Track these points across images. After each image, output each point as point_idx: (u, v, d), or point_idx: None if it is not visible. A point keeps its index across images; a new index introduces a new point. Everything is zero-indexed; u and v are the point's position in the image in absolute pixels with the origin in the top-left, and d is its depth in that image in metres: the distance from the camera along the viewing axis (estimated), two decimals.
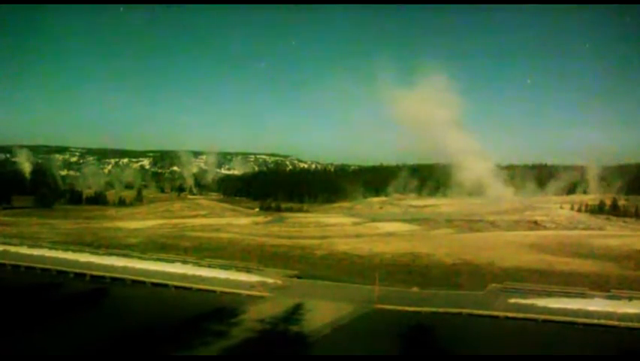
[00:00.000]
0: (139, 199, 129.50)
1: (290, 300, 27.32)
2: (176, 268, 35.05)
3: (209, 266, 36.20)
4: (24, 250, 40.62)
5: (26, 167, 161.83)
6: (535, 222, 79.23)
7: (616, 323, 24.00)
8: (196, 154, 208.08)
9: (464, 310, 26.12)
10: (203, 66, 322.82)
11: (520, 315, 25.50)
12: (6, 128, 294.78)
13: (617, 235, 61.82)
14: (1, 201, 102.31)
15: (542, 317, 25.21)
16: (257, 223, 79.63)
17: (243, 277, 33.25)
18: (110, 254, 39.88)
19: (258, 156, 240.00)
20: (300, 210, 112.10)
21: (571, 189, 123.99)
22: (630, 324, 23.83)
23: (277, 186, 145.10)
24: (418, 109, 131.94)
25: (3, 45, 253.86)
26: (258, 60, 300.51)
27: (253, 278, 32.90)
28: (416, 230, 71.35)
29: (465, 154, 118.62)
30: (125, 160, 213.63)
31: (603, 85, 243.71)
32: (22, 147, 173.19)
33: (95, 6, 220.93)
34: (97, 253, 40.33)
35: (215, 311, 25.02)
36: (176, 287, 31.33)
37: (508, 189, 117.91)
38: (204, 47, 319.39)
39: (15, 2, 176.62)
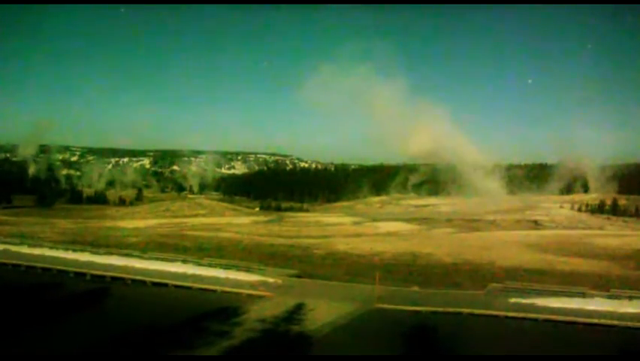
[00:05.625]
0: (139, 198, 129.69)
1: (290, 300, 27.33)
2: (177, 268, 35.05)
3: (210, 266, 36.18)
4: (24, 250, 40.59)
5: (29, 166, 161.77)
6: (535, 222, 79.37)
7: (616, 322, 24.01)
8: (196, 154, 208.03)
9: (464, 310, 26.12)
10: (204, 66, 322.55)
11: (521, 315, 25.51)
12: (6, 127, 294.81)
13: (617, 235, 61.95)
14: (1, 200, 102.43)
15: (542, 316, 25.22)
16: (257, 223, 79.71)
17: (243, 276, 33.25)
18: (110, 253, 39.88)
19: (258, 156, 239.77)
20: (300, 210, 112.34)
21: (570, 189, 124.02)
22: (630, 324, 23.84)
23: (277, 185, 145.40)
24: (418, 109, 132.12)
25: (3, 45, 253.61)
26: (259, 60, 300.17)
27: (254, 278, 32.91)
28: (416, 230, 71.45)
29: (465, 154, 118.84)
30: (125, 160, 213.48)
31: (603, 85, 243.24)
32: (24, 146, 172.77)
33: (96, 6, 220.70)
34: (97, 253, 40.31)
35: (215, 311, 25.02)
36: (177, 287, 31.31)
37: (508, 188, 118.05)
38: (204, 46, 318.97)
39: (15, 2, 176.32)
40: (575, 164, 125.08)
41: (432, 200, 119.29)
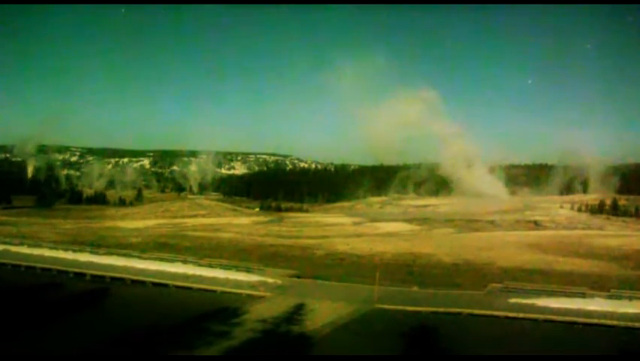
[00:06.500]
0: (139, 199, 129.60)
1: (290, 300, 27.32)
2: (177, 268, 35.07)
3: (210, 266, 36.19)
4: (24, 250, 40.61)
5: (29, 166, 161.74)
6: (535, 222, 79.32)
7: (616, 322, 24.00)
8: (196, 154, 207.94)
9: (464, 310, 26.10)
10: (203, 66, 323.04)
11: (521, 315, 25.49)
12: (6, 127, 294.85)
13: (617, 235, 61.91)
14: (1, 201, 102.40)
15: (542, 316, 25.21)
16: (257, 223, 79.70)
17: (243, 276, 33.24)
18: (110, 254, 39.89)
19: (258, 156, 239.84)
20: (300, 210, 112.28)
21: (570, 189, 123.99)
22: (630, 324, 23.83)
23: (277, 186, 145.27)
24: (418, 109, 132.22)
25: (3, 45, 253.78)
26: (259, 60, 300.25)
27: (253, 278, 32.90)
28: (416, 230, 71.44)
29: (465, 154, 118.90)
30: (125, 160, 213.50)
31: (604, 85, 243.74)
32: (26, 146, 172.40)
33: (96, 6, 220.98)
34: (97, 253, 40.33)
35: (215, 311, 25.02)
36: (177, 287, 31.32)
37: (508, 188, 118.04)
38: (204, 46, 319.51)
39: (16, 2, 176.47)
40: (575, 164, 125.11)
41: (432, 200, 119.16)
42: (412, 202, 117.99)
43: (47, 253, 39.65)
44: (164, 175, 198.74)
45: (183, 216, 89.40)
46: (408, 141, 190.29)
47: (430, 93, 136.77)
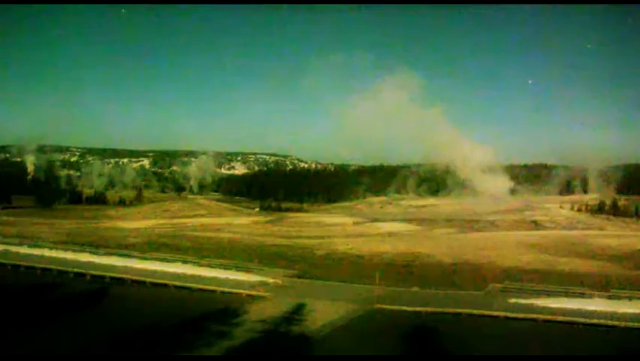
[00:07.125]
0: (139, 199, 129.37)
1: (290, 300, 27.34)
2: (176, 268, 35.07)
3: (210, 266, 36.19)
4: (24, 250, 40.60)
5: (30, 167, 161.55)
6: (535, 223, 79.24)
7: (616, 323, 24.02)
8: (196, 154, 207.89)
9: (464, 310, 26.12)
10: (204, 66, 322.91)
11: (520, 315, 25.53)
12: (6, 127, 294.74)
13: (617, 235, 61.84)
14: (1, 201, 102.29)
15: (542, 316, 25.23)
16: (257, 223, 79.66)
17: (243, 277, 33.24)
18: (110, 254, 39.88)
19: (258, 156, 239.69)
20: (300, 210, 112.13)
21: (570, 189, 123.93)
22: (630, 324, 23.85)
23: (277, 186, 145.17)
24: (418, 109, 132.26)
25: (3, 45, 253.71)
26: (258, 60, 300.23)
27: (253, 278, 32.90)
28: (416, 230, 71.35)
29: (465, 154, 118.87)
30: (125, 160, 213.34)
31: (604, 85, 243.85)
32: (26, 146, 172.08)
33: (96, 6, 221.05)
34: (97, 253, 40.32)
35: (215, 311, 25.03)
36: (177, 287, 31.32)
37: (508, 188, 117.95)
38: (204, 46, 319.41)
39: (15, 2, 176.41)
40: (575, 164, 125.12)
41: (432, 200, 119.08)
42: (412, 202, 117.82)
43: (47, 253, 39.64)
44: (164, 175, 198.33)
45: (183, 217, 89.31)
46: (408, 141, 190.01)
47: (430, 93, 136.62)
